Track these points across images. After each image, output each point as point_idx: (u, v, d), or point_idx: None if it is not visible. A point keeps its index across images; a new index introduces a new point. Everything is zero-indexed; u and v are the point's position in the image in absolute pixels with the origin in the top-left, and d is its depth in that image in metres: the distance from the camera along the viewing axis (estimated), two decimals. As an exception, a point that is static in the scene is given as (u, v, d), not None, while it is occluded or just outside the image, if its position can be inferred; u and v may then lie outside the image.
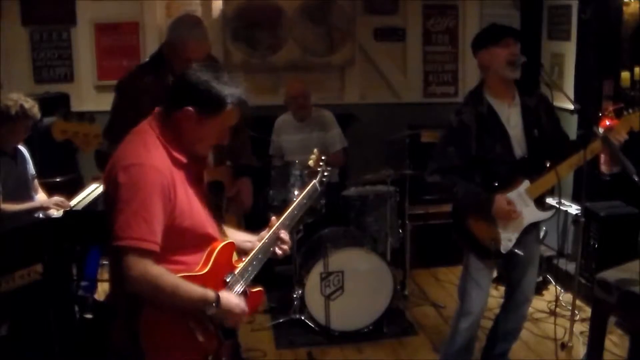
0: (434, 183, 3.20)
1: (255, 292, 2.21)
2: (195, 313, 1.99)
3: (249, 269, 2.19)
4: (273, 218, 2.36)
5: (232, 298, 2.07)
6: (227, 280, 2.11)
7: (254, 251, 2.23)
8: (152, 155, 1.99)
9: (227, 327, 2.09)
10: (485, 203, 3.10)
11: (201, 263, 2.06)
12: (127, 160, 1.97)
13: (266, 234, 2.30)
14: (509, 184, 3.13)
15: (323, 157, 2.68)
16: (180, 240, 2.01)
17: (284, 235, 2.31)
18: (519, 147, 3.16)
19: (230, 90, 2.04)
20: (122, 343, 1.99)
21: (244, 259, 2.20)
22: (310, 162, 2.63)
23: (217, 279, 2.07)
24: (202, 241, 2.08)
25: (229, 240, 2.15)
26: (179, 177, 2.03)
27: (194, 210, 2.06)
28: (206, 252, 2.08)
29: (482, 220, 3.14)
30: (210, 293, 1.99)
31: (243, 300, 2.12)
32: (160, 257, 1.95)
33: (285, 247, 2.32)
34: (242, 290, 2.14)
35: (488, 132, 3.11)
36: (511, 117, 3.16)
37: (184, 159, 2.06)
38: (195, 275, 2.01)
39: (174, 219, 1.98)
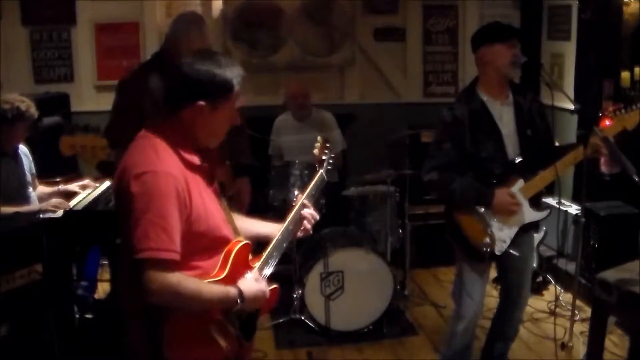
0: (431, 181, 3.14)
1: (271, 289, 2.17)
2: (219, 314, 1.97)
3: (265, 267, 2.18)
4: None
5: (253, 285, 2.04)
6: None
7: (268, 250, 2.21)
8: (164, 161, 1.92)
9: (249, 312, 2.07)
10: (486, 196, 3.06)
11: (218, 266, 2.01)
12: (139, 169, 1.89)
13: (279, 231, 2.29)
14: (504, 184, 3.11)
15: (327, 144, 2.61)
16: (197, 245, 1.96)
17: (306, 212, 2.32)
18: (511, 147, 3.13)
19: (232, 70, 1.99)
20: (144, 355, 1.93)
21: (261, 256, 2.19)
22: (315, 151, 2.56)
23: (236, 281, 2.03)
24: (218, 244, 2.04)
25: (245, 242, 2.11)
26: (193, 180, 1.97)
27: (209, 213, 2.00)
28: (222, 254, 2.03)
29: (476, 222, 3.11)
30: (232, 290, 1.97)
31: (262, 281, 2.11)
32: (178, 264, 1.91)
33: (312, 221, 2.33)
34: None
35: (480, 129, 3.09)
36: (504, 115, 3.14)
37: (196, 161, 2.00)
38: (215, 280, 1.97)
39: (191, 225, 1.93)
